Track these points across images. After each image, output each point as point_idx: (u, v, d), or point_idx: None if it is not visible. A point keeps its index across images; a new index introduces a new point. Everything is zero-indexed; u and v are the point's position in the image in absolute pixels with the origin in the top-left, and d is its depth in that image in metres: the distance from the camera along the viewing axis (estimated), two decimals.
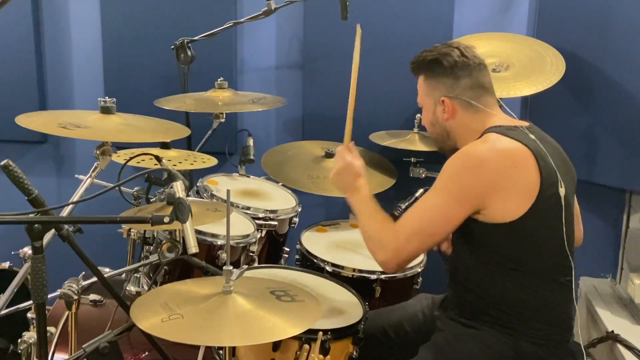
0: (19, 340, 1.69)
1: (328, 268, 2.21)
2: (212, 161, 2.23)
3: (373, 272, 2.19)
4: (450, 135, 1.86)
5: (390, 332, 1.98)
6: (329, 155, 2.69)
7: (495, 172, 1.66)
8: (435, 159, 2.85)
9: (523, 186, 1.66)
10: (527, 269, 1.69)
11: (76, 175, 2.45)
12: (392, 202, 2.66)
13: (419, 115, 2.72)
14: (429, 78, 1.87)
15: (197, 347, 1.90)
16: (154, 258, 2.00)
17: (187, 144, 2.65)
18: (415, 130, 2.74)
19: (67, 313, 1.75)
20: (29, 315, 1.94)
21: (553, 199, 1.68)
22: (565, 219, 1.69)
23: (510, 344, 1.69)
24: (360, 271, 2.20)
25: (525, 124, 1.81)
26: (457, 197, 1.68)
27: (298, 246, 2.39)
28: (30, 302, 1.82)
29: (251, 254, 2.21)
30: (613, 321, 2.40)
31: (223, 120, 2.64)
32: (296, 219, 2.48)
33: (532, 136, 1.73)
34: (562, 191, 1.69)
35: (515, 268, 1.69)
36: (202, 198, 2.33)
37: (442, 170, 1.73)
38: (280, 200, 2.51)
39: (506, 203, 1.66)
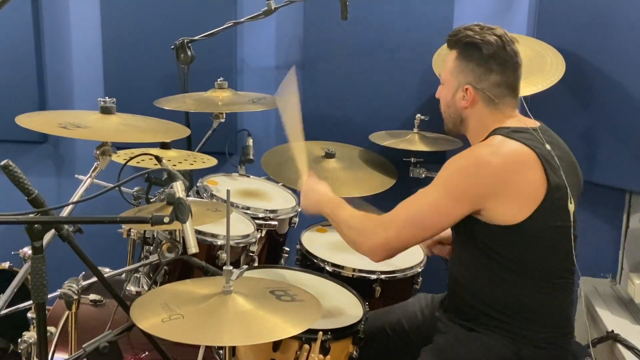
0: (19, 340, 1.69)
1: (328, 268, 2.21)
2: (212, 161, 2.23)
3: (373, 272, 2.19)
4: (464, 122, 1.82)
5: (389, 332, 1.98)
6: (329, 155, 2.69)
7: (497, 176, 1.64)
8: (435, 159, 2.86)
9: (526, 191, 1.64)
10: (528, 272, 1.68)
11: (76, 175, 2.45)
12: (392, 202, 2.66)
13: (419, 115, 2.72)
14: (462, 59, 1.77)
15: (197, 347, 1.90)
16: (154, 258, 2.00)
17: (187, 144, 2.65)
18: (415, 130, 2.74)
19: (67, 313, 1.75)
20: (29, 315, 1.95)
21: (561, 210, 1.66)
22: (573, 234, 1.68)
23: (511, 347, 1.69)
24: (360, 271, 2.20)
25: (536, 124, 1.77)
26: (455, 195, 1.67)
27: (298, 246, 2.39)
28: (30, 302, 1.82)
29: (251, 254, 2.21)
30: (613, 321, 2.40)
31: (223, 120, 2.64)
32: (296, 219, 2.48)
33: (542, 139, 1.70)
34: (571, 207, 1.67)
35: (515, 270, 1.68)
36: (202, 198, 2.33)
37: (443, 167, 1.72)
38: (280, 200, 2.51)
39: (507, 206, 1.64)
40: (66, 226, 1.56)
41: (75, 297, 1.67)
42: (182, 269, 2.10)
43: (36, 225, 1.33)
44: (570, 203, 1.67)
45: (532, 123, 1.78)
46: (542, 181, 1.64)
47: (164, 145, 2.21)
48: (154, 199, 2.20)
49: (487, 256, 1.70)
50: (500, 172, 1.64)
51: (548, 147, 1.69)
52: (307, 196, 1.95)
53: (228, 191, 1.53)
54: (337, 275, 2.19)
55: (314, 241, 2.40)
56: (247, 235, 2.19)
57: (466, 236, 1.73)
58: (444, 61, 1.85)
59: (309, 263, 2.29)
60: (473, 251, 1.73)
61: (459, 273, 1.81)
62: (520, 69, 1.77)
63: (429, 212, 1.70)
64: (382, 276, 2.19)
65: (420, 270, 2.30)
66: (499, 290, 1.71)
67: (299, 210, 2.49)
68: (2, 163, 1.42)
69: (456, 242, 1.82)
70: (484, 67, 1.73)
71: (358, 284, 2.13)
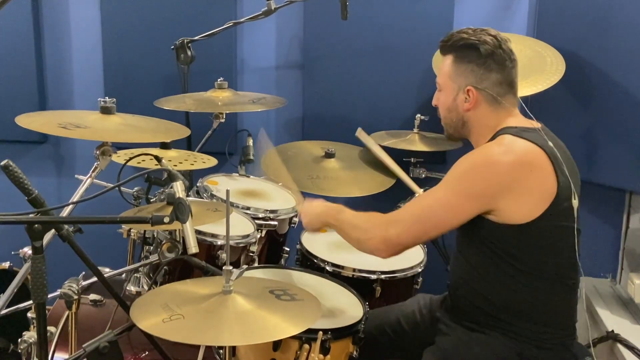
0: (19, 340, 1.69)
1: (328, 268, 2.21)
2: (212, 161, 2.23)
3: (373, 272, 2.19)
4: (466, 125, 1.81)
5: (389, 332, 1.98)
6: (329, 155, 2.69)
7: (509, 175, 1.63)
8: (435, 159, 2.86)
9: (538, 190, 1.64)
10: (537, 271, 1.68)
11: (76, 175, 2.45)
12: (392, 202, 2.67)
13: (419, 115, 2.72)
14: (459, 62, 1.77)
15: (197, 347, 1.90)
16: (154, 258, 2.00)
17: (187, 144, 2.65)
18: (415, 130, 2.74)
19: (67, 313, 1.75)
20: (29, 315, 1.94)
21: (567, 209, 1.66)
22: (576, 230, 1.69)
23: (515, 348, 1.69)
24: (360, 271, 2.20)
25: (538, 125, 1.77)
26: (467, 193, 1.66)
27: (298, 246, 2.39)
28: (30, 302, 1.82)
29: (251, 254, 2.20)
30: (613, 321, 2.39)
31: (223, 120, 2.64)
32: (296, 219, 2.48)
33: (547, 139, 1.70)
34: (575, 203, 1.67)
35: (523, 270, 1.67)
36: (202, 198, 2.33)
37: (454, 167, 1.71)
38: (280, 200, 2.51)
39: (519, 205, 1.63)
40: (66, 226, 1.56)
41: (75, 297, 1.67)
42: (182, 269, 2.09)
43: (36, 225, 1.33)
44: (575, 199, 1.67)
45: (535, 123, 1.78)
46: (552, 180, 1.64)
47: (164, 146, 2.21)
48: (154, 199, 2.20)
49: (496, 256, 1.69)
50: (512, 171, 1.63)
51: (551, 144, 1.69)
52: (306, 213, 1.95)
53: (228, 191, 1.52)
54: (337, 275, 2.19)
55: (314, 241, 2.40)
56: (247, 235, 2.19)
57: (474, 236, 1.72)
58: (439, 68, 1.85)
59: (309, 263, 2.29)
60: (481, 251, 1.72)
61: (464, 273, 1.80)
62: (517, 66, 1.78)
63: (440, 210, 1.69)
64: (382, 276, 2.19)
65: (420, 270, 2.30)
66: (505, 290, 1.70)
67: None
68: (2, 163, 1.42)
69: (462, 242, 1.81)
70: (483, 66, 1.73)
71: (358, 284, 2.13)
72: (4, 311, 1.70)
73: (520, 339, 1.69)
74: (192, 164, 2.18)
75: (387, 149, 2.70)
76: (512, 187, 1.62)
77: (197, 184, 2.40)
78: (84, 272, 2.03)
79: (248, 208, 2.34)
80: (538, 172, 1.64)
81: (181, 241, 1.80)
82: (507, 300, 1.70)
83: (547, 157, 1.65)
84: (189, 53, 2.63)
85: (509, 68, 1.75)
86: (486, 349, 1.71)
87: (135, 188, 2.30)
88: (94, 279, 1.79)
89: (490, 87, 1.74)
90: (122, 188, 2.06)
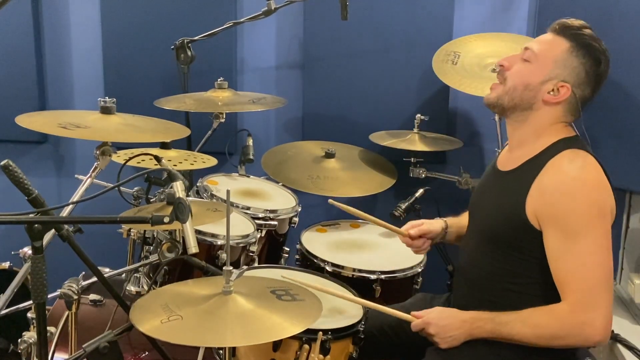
0: (19, 340, 1.69)
1: (328, 268, 2.21)
2: (212, 161, 2.23)
3: (373, 272, 2.19)
4: (530, 112, 1.71)
5: (389, 332, 1.98)
6: (329, 155, 2.69)
7: (609, 192, 1.63)
8: (435, 159, 2.86)
9: (613, 213, 1.64)
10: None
11: (76, 175, 2.45)
12: (392, 202, 2.67)
13: (419, 115, 2.72)
14: (575, 55, 1.66)
15: (197, 347, 1.90)
16: (154, 258, 2.00)
17: (187, 144, 2.65)
18: (415, 130, 2.74)
19: (67, 313, 1.75)
20: (29, 315, 1.94)
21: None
22: None
23: (518, 350, 1.67)
24: (360, 271, 2.20)
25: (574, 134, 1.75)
26: (603, 220, 1.59)
27: (298, 246, 2.39)
28: (30, 302, 1.82)
29: (251, 254, 2.21)
30: (613, 321, 2.39)
31: (223, 120, 2.64)
32: (296, 219, 2.48)
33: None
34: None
35: (545, 281, 1.64)
36: (202, 198, 2.33)
37: (565, 213, 1.59)
38: (280, 200, 2.51)
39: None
40: (66, 226, 1.56)
41: (75, 297, 1.67)
42: (182, 269, 2.10)
43: (36, 225, 1.33)
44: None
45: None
46: (613, 195, 1.65)
47: (164, 145, 2.21)
48: (154, 199, 2.20)
49: (531, 266, 1.66)
50: (605, 186, 1.63)
51: None
52: (444, 336, 1.71)
53: (228, 191, 1.52)
54: (337, 275, 2.19)
55: (314, 241, 2.40)
56: (247, 235, 2.19)
57: (517, 247, 1.67)
58: (543, 40, 1.73)
59: (309, 263, 2.29)
60: (521, 263, 1.67)
61: (479, 279, 1.78)
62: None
63: (606, 263, 1.58)
64: (382, 276, 2.19)
65: (420, 270, 2.30)
66: (518, 298, 1.68)
67: (299, 210, 2.49)
68: (2, 163, 1.42)
69: (486, 247, 1.75)
70: (588, 76, 1.67)
71: (358, 284, 2.13)
72: (4, 311, 1.70)
73: None
74: (192, 164, 2.18)
75: (387, 149, 2.70)
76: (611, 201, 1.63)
77: (197, 184, 2.41)
78: (84, 272, 2.04)
79: (248, 208, 2.34)
80: (611, 194, 1.64)
81: (181, 241, 1.80)
82: (517, 307, 1.67)
83: (603, 170, 1.66)
84: (189, 53, 2.63)
85: (599, 89, 1.71)
86: (489, 350, 1.70)
87: (135, 188, 2.30)
88: (94, 279, 1.79)
89: (580, 97, 1.68)
90: (122, 188, 2.06)
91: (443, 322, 1.72)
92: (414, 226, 2.02)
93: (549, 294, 1.65)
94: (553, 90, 1.67)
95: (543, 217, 1.62)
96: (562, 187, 1.60)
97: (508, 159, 1.80)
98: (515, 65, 1.72)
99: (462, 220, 2.04)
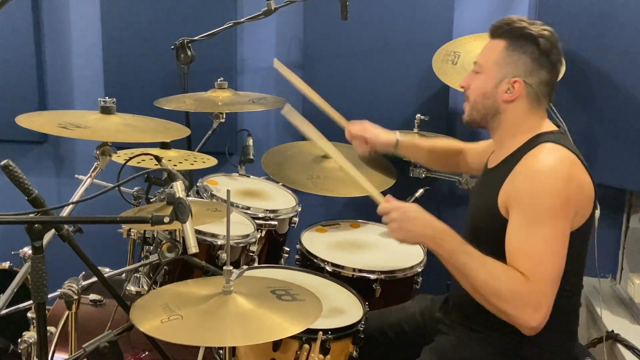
0: (19, 340, 1.69)
1: (328, 268, 2.21)
2: (212, 161, 2.23)
3: (373, 272, 2.19)
4: (498, 117, 1.74)
5: (389, 333, 1.98)
6: (329, 155, 2.69)
7: (580, 185, 1.62)
8: None
9: (588, 201, 1.64)
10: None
11: (76, 175, 2.45)
12: None
13: (419, 115, 2.72)
14: (513, 49, 1.69)
15: (198, 347, 1.90)
16: (154, 258, 2.00)
17: (187, 144, 2.65)
18: (415, 130, 2.73)
19: (67, 313, 1.75)
20: (29, 315, 1.94)
21: (592, 216, 1.67)
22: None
23: (515, 349, 1.68)
24: (360, 271, 2.20)
25: (556, 128, 1.75)
26: (565, 213, 1.58)
27: (298, 246, 2.39)
28: (30, 302, 1.82)
29: (251, 254, 2.20)
30: (613, 321, 2.40)
31: (223, 120, 2.64)
32: (296, 219, 2.48)
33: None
34: (597, 213, 1.69)
35: None
36: (202, 198, 2.33)
37: (529, 196, 1.59)
38: (280, 200, 2.51)
39: (578, 217, 1.63)
40: (66, 226, 1.56)
41: (75, 297, 1.67)
42: (182, 269, 2.09)
43: (36, 225, 1.33)
44: (597, 208, 1.69)
45: (555, 128, 1.75)
46: (592, 191, 1.65)
47: (164, 145, 2.21)
48: (154, 199, 2.20)
49: None
50: (578, 182, 1.62)
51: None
52: (402, 227, 1.70)
53: (228, 191, 1.52)
54: (337, 275, 2.19)
55: (314, 241, 2.40)
56: (247, 235, 2.19)
57: (500, 242, 1.65)
58: (484, 48, 1.77)
59: (309, 263, 2.29)
60: (500, 256, 1.65)
61: None
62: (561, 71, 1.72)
63: (559, 252, 1.58)
64: (382, 276, 2.19)
65: (420, 270, 2.30)
66: None
67: (299, 210, 2.49)
68: (2, 163, 1.42)
69: (477, 245, 1.72)
70: (537, 62, 1.68)
71: (358, 283, 2.13)
72: (4, 311, 1.70)
73: (520, 339, 1.66)
74: (192, 164, 2.18)
75: None
76: (579, 199, 1.62)
77: (197, 184, 2.40)
78: (84, 272, 2.03)
79: (248, 208, 2.34)
80: (586, 178, 1.64)
81: (181, 241, 1.80)
82: None
83: (582, 164, 1.65)
84: (189, 53, 2.63)
85: (557, 70, 1.71)
86: (485, 348, 1.71)
87: (135, 188, 2.30)
88: (94, 279, 1.79)
89: (537, 85, 1.69)
90: (122, 188, 2.06)
91: (413, 214, 1.70)
92: (362, 130, 2.27)
93: None
94: (508, 89, 1.70)
95: (509, 201, 1.63)
96: (530, 174, 1.62)
97: (493, 158, 1.83)
98: (472, 82, 1.78)
99: (416, 139, 2.32)
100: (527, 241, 1.57)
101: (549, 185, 1.58)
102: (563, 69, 2.21)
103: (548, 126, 1.74)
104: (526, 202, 1.59)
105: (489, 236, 1.69)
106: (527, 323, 1.54)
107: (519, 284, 1.55)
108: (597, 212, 1.68)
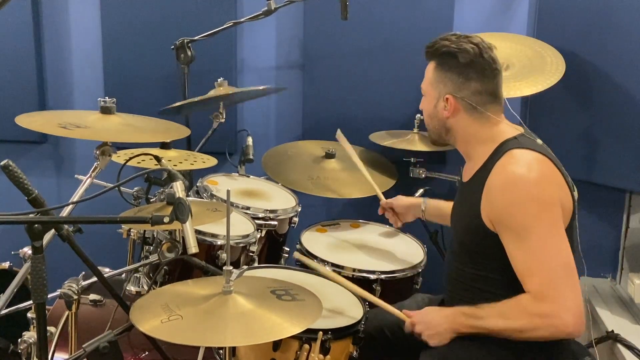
0: (19, 340, 1.69)
1: (328, 268, 2.21)
2: (212, 161, 2.23)
3: (373, 272, 2.19)
4: (450, 132, 1.82)
5: (387, 332, 1.98)
6: (329, 155, 2.69)
7: (557, 185, 1.65)
8: (435, 159, 2.86)
9: (567, 201, 1.66)
10: None
11: (76, 175, 2.45)
12: None
13: (419, 115, 2.73)
14: (440, 69, 1.78)
15: (197, 347, 1.90)
16: (154, 258, 2.00)
17: (187, 144, 2.65)
18: (415, 130, 2.74)
19: (67, 313, 1.75)
20: (29, 315, 1.94)
21: (574, 209, 1.68)
22: (577, 223, 1.70)
23: (512, 350, 1.68)
24: (360, 271, 2.20)
25: (521, 130, 1.77)
26: (550, 213, 1.61)
27: (298, 246, 2.39)
28: (30, 302, 1.82)
29: (251, 254, 2.21)
30: (613, 321, 2.40)
31: (223, 120, 2.64)
32: (296, 219, 2.48)
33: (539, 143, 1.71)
34: (575, 194, 1.68)
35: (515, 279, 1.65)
36: (202, 198, 2.33)
37: (509, 211, 1.62)
38: (280, 200, 2.51)
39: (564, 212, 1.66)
40: (66, 226, 1.56)
41: (75, 297, 1.67)
42: (182, 269, 2.10)
43: (36, 225, 1.33)
44: (574, 190, 1.69)
45: (520, 129, 1.77)
46: (567, 190, 1.66)
47: (164, 145, 2.21)
48: (154, 199, 2.20)
49: (502, 269, 1.67)
50: (549, 179, 1.64)
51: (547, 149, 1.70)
52: (431, 334, 1.74)
53: (228, 191, 1.52)
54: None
55: (314, 241, 2.40)
56: (247, 235, 2.19)
57: (494, 246, 1.68)
58: (425, 72, 1.85)
59: None
60: (493, 259, 1.69)
61: (464, 277, 1.79)
62: (500, 75, 1.76)
63: (564, 249, 1.61)
64: (382, 276, 2.19)
65: (420, 270, 2.30)
66: (509, 295, 1.67)
67: (299, 210, 2.49)
68: (2, 163, 1.42)
69: (476, 256, 1.76)
70: (462, 75, 1.74)
71: (358, 283, 2.11)
72: (4, 311, 1.70)
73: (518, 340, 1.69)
74: (192, 164, 2.18)
75: (387, 149, 2.70)
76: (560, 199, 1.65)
77: (197, 184, 2.41)
78: (84, 272, 2.03)
79: (248, 208, 2.34)
80: (559, 180, 1.66)
81: (181, 241, 1.80)
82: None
83: (556, 167, 1.67)
84: (189, 53, 2.62)
85: (489, 77, 1.74)
86: (483, 351, 1.70)
87: (135, 188, 2.30)
88: (94, 279, 1.79)
89: (469, 97, 1.74)
90: (122, 188, 2.06)
91: (426, 319, 1.77)
92: (391, 204, 2.34)
93: (514, 293, 1.66)
94: (445, 106, 1.77)
95: (494, 219, 1.67)
96: (502, 188, 1.66)
97: (466, 172, 1.88)
98: (422, 105, 1.87)
99: (441, 203, 2.22)
100: (527, 258, 1.61)
101: (524, 193, 1.62)
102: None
103: (510, 131, 1.76)
104: (508, 218, 1.63)
105: (475, 249, 1.74)
106: (566, 329, 1.58)
107: (527, 308, 1.59)
108: (576, 194, 1.69)
